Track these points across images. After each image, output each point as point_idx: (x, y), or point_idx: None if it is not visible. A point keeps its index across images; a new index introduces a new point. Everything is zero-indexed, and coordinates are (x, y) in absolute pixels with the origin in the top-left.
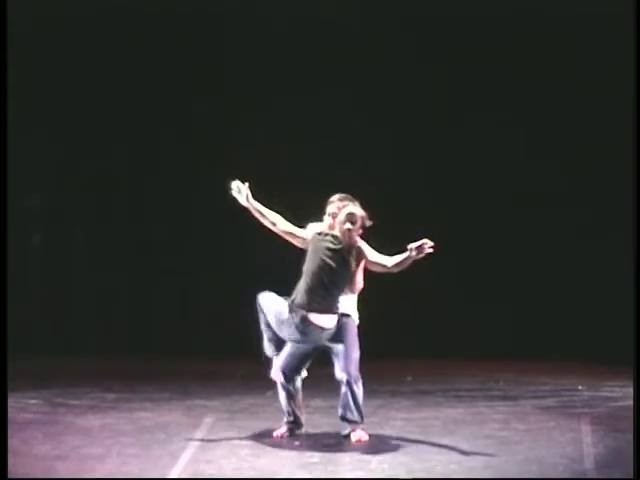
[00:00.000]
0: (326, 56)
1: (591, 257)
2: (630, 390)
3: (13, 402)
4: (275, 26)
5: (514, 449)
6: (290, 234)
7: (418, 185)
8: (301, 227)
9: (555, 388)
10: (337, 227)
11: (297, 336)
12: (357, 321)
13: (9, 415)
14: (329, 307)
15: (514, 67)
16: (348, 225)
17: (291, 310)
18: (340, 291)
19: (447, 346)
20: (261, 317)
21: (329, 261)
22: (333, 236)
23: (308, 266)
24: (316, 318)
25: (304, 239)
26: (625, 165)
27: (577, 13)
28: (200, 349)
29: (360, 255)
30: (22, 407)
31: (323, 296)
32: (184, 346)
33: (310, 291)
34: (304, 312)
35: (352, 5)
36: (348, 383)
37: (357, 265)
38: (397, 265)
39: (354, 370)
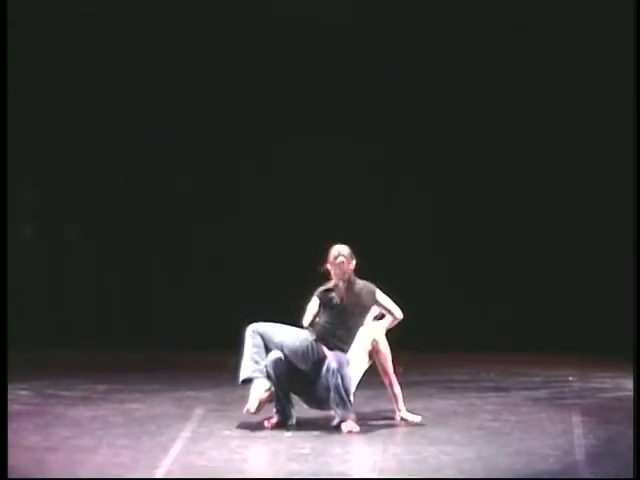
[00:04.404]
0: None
1: (582, 250)
2: (620, 381)
3: None
4: (277, 26)
5: (505, 440)
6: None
7: (415, 182)
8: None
9: (546, 379)
10: (330, 267)
11: (308, 363)
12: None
13: None
14: (342, 347)
15: (514, 67)
16: (341, 258)
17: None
18: (354, 330)
19: (438, 338)
20: (251, 340)
21: (338, 310)
22: (335, 285)
23: (323, 318)
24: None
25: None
26: (625, 164)
27: (577, 13)
28: (191, 340)
29: (370, 295)
30: (13, 398)
31: (339, 337)
32: (175, 337)
33: (327, 334)
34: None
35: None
36: (337, 372)
37: (370, 298)
38: (389, 379)
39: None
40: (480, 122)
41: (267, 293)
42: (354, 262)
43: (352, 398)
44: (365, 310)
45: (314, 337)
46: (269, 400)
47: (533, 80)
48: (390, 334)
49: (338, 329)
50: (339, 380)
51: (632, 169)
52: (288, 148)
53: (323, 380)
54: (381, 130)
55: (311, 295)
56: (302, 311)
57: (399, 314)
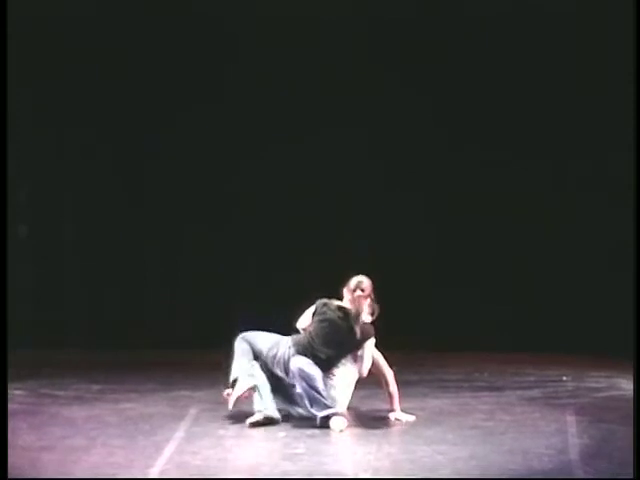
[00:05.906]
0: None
1: (575, 248)
2: (615, 381)
3: None
4: (276, 26)
5: (499, 440)
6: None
7: (415, 182)
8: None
9: (540, 379)
10: (346, 294)
11: (280, 367)
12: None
13: None
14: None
15: (513, 67)
16: (358, 292)
17: (295, 351)
18: (337, 358)
19: (433, 337)
20: (239, 346)
21: (332, 329)
22: (339, 307)
23: (313, 330)
24: None
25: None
26: (625, 164)
27: (577, 13)
28: (187, 340)
29: (367, 334)
30: (8, 397)
31: (321, 359)
32: (171, 337)
33: (308, 350)
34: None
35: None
36: (299, 376)
37: (362, 340)
38: (385, 379)
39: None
40: (476, 118)
41: (267, 293)
42: (369, 300)
43: (326, 394)
44: (347, 346)
45: (292, 342)
46: (247, 396)
47: (533, 80)
48: (387, 334)
49: (317, 347)
50: (304, 383)
51: (632, 169)
52: (288, 149)
53: (295, 387)
54: (381, 130)
55: (316, 299)
56: (301, 313)
57: (363, 372)
